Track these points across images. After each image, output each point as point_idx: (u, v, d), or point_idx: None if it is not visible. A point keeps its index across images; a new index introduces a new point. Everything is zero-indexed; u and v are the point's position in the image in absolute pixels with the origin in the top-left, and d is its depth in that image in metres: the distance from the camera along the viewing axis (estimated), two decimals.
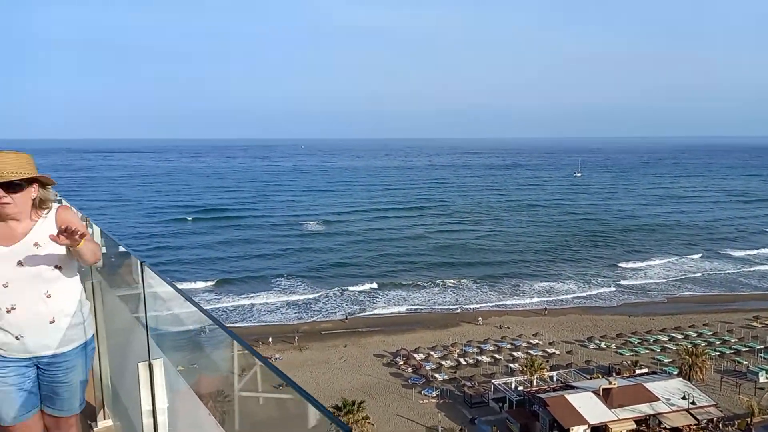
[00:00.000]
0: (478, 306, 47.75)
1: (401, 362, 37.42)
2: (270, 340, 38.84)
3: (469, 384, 34.75)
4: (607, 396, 29.91)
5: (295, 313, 45.29)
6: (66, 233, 2.09)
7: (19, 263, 2.30)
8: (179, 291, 2.19)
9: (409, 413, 31.36)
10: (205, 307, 2.63)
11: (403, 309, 47.02)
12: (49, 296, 2.36)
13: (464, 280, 53.78)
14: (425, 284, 52.76)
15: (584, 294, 51.38)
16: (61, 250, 2.37)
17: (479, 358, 38.21)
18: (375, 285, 51.62)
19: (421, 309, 47.28)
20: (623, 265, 60.24)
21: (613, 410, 29.46)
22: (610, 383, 30.67)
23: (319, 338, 40.53)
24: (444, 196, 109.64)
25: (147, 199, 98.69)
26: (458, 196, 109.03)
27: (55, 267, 2.37)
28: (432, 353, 38.31)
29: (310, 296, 48.67)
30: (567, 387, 32.41)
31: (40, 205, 2.38)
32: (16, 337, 2.32)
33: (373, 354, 38.68)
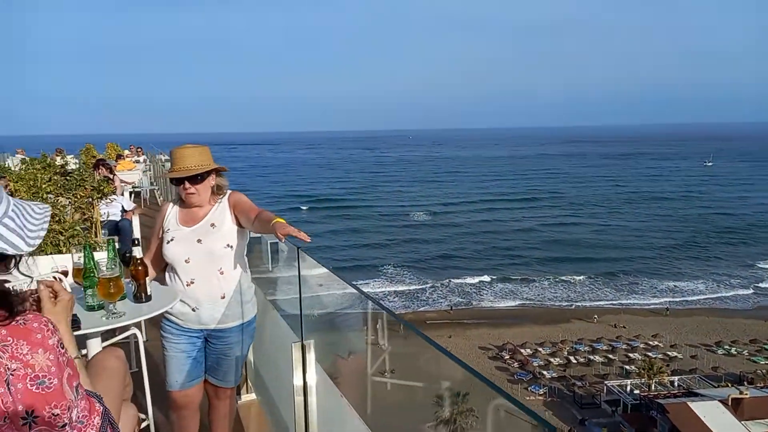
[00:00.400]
0: (591, 303, 45.52)
1: (507, 356, 36.80)
2: (377, 326, 39.91)
3: (579, 383, 33.42)
4: (737, 406, 27.35)
5: (402, 302, 46.09)
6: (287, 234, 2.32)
7: (198, 241, 2.65)
8: (339, 275, 2.34)
9: (514, 409, 30.79)
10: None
11: (510, 303, 46.08)
12: (222, 273, 2.67)
13: (577, 276, 51.42)
14: (535, 278, 51.21)
15: (713, 295, 46.96)
16: (234, 231, 2.70)
17: (591, 357, 36.53)
18: (482, 278, 51.03)
19: (530, 304, 46.02)
20: (762, 264, 54.20)
21: (743, 422, 26.88)
22: (741, 393, 27.98)
23: (424, 328, 40.96)
24: (556, 187, 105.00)
25: (266, 189, 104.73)
26: (572, 187, 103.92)
27: (227, 246, 2.68)
28: (540, 349, 37.25)
29: (416, 287, 49.26)
30: (690, 394, 30.07)
31: (216, 191, 2.73)
32: (193, 309, 2.68)
33: (478, 346, 38.40)
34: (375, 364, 2.95)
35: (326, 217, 76.81)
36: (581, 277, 51.18)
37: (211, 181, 2.69)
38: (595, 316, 42.33)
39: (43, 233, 1.26)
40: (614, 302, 45.79)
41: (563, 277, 51.30)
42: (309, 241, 2.29)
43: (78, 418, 1.18)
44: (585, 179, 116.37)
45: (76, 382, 1.22)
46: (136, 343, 3.59)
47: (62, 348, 1.19)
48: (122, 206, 8.11)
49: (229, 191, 2.80)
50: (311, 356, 2.44)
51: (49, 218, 1.32)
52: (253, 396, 3.67)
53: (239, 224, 2.73)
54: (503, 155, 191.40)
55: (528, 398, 31.95)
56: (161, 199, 15.26)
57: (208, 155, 2.67)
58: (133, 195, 13.12)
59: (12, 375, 1.08)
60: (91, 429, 1.21)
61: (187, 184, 2.61)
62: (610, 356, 36.61)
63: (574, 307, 45.02)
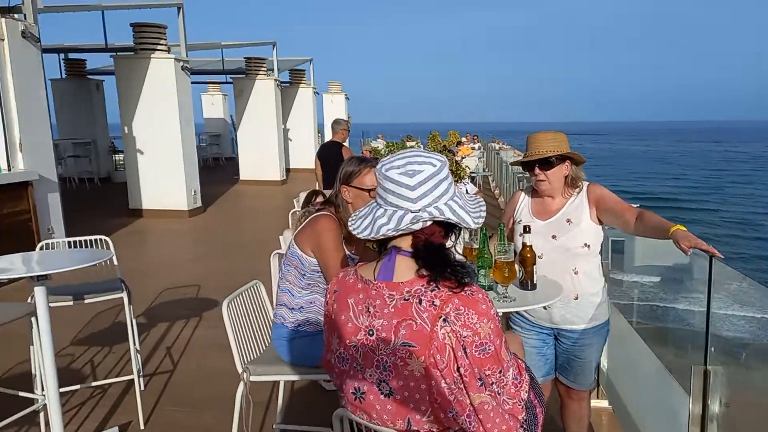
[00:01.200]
0: None
1: None
2: None
3: None
4: None
5: (750, 327, 38.25)
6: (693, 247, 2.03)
7: (553, 237, 2.48)
8: None
9: None
10: None
11: None
12: (575, 273, 2.47)
13: None
14: None
15: None
16: (592, 229, 2.47)
17: None
18: None
19: None
20: None
21: None
22: None
23: None
24: None
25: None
26: None
27: (584, 245, 2.46)
28: None
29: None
30: None
31: (571, 183, 2.50)
32: (544, 307, 2.50)
33: None
34: None
35: None
36: None
37: (564, 169, 2.48)
38: None
39: (484, 214, 1.39)
40: None
41: None
42: (722, 257, 2.02)
43: (514, 375, 1.33)
44: None
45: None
46: None
47: (498, 316, 1.30)
48: (466, 189, 8.78)
49: (586, 183, 2.54)
50: (716, 385, 2.06)
51: (484, 205, 1.42)
52: (605, 403, 3.44)
53: (599, 221, 2.48)
54: None
55: None
56: (493, 185, 16.05)
57: (564, 142, 2.48)
58: (468, 179, 14.14)
59: (465, 341, 1.22)
60: (525, 384, 1.36)
61: (537, 170, 2.46)
62: None
63: None
